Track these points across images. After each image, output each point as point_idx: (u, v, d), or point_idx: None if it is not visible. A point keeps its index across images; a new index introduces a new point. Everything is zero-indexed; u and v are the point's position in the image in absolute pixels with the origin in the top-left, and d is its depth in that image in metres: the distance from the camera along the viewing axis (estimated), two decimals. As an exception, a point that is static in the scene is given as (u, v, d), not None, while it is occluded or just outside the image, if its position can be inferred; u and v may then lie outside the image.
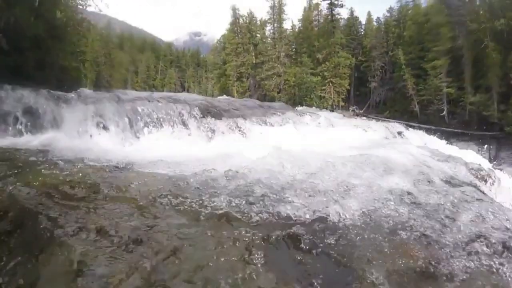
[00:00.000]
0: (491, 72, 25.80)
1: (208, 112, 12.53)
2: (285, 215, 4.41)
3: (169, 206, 4.67)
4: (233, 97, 30.70)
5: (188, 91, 61.02)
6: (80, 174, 5.75)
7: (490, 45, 26.40)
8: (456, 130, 26.45)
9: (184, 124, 11.79)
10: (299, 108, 22.53)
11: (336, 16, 31.79)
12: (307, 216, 4.36)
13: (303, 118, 15.12)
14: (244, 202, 4.60)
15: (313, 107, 24.11)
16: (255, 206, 4.53)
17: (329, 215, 4.35)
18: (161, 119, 11.84)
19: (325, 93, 28.17)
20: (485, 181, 6.61)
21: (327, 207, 4.52)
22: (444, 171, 6.57)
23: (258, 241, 3.71)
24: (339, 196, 4.89)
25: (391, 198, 4.94)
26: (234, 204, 4.59)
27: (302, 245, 3.76)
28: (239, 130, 12.23)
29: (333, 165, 6.13)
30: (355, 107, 30.18)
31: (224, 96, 26.54)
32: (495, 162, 25.56)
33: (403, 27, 31.78)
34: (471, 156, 13.89)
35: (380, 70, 31.92)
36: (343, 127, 14.82)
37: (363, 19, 37.56)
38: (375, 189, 5.18)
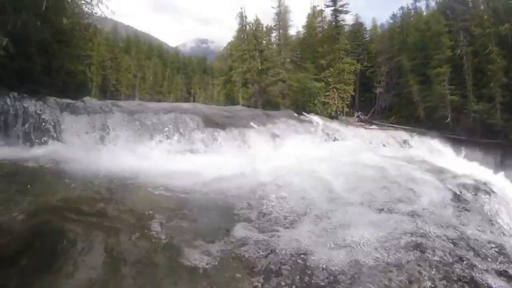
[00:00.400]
0: (494, 82, 25.72)
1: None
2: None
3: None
4: (239, 103, 30.86)
5: (194, 98, 61.33)
6: (89, 189, 5.85)
7: (494, 50, 26.34)
8: (461, 137, 26.34)
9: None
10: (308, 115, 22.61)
11: (341, 22, 31.95)
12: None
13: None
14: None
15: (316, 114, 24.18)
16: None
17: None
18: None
19: (329, 98, 28.24)
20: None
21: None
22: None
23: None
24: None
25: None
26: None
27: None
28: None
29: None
30: (360, 113, 30.19)
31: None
32: (499, 169, 25.56)
33: (407, 34, 31.86)
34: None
35: (386, 76, 31.93)
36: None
37: (368, 26, 37.79)
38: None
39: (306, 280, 3.80)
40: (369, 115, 30.15)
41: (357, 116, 29.55)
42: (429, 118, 27.79)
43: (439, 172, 7.71)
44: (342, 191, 6.26)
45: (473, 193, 6.65)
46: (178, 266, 3.83)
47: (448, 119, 27.35)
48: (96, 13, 18.12)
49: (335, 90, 28.23)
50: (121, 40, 57.26)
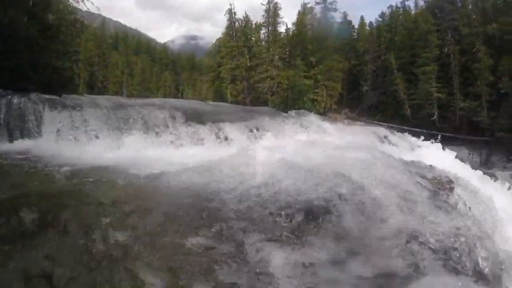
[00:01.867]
0: (481, 80, 26.07)
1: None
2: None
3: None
4: (227, 100, 30.82)
5: (182, 94, 60.99)
6: (64, 181, 5.94)
7: (481, 49, 26.67)
8: (448, 134, 26.58)
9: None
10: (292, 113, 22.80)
11: (330, 20, 32.09)
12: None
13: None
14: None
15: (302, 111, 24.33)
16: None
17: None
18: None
19: (317, 96, 28.35)
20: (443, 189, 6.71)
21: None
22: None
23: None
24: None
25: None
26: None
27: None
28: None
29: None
30: (347, 110, 30.39)
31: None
32: (485, 166, 25.90)
33: (395, 32, 32.12)
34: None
35: (372, 74, 32.17)
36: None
37: (356, 24, 37.99)
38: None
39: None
40: (356, 113, 30.39)
41: (344, 113, 29.75)
42: (415, 116, 28.09)
43: (407, 164, 7.83)
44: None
45: (438, 184, 6.77)
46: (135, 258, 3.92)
47: (435, 117, 27.68)
48: (82, 9, 18.06)
49: (323, 87, 28.33)
50: (109, 36, 56.64)
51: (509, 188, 11.62)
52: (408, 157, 10.21)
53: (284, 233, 4.62)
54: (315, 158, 7.34)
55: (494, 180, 13.19)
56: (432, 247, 4.57)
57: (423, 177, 6.94)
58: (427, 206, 5.66)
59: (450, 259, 4.44)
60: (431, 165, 7.99)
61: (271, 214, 5.04)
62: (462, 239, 4.70)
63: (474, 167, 16.08)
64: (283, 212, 5.04)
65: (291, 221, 4.94)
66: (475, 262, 4.46)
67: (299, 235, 4.64)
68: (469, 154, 27.10)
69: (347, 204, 5.31)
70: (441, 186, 6.71)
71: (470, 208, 6.26)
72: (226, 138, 13.53)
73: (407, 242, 4.61)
